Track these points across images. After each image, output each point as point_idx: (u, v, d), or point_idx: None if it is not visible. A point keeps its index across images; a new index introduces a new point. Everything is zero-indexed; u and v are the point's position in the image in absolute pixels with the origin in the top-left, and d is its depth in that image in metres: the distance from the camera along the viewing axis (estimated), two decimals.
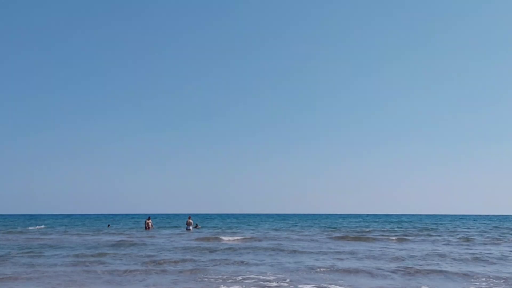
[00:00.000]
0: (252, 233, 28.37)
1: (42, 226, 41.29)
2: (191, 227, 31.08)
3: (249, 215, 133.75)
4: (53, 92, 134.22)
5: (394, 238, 23.23)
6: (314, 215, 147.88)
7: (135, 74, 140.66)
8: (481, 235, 27.08)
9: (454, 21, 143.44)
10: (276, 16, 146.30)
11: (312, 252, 15.33)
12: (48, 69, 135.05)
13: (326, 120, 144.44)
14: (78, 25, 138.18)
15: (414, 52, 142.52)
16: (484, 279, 9.73)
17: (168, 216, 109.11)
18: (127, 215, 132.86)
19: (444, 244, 19.33)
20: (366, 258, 13.65)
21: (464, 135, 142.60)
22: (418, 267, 11.31)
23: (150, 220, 33.57)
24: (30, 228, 38.49)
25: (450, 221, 62.07)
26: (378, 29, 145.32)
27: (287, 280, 9.46)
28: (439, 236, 25.65)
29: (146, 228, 32.78)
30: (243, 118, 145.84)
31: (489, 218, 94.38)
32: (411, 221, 57.28)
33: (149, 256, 14.00)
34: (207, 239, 22.55)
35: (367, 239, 22.43)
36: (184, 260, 12.86)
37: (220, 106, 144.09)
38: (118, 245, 18.64)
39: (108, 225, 43.76)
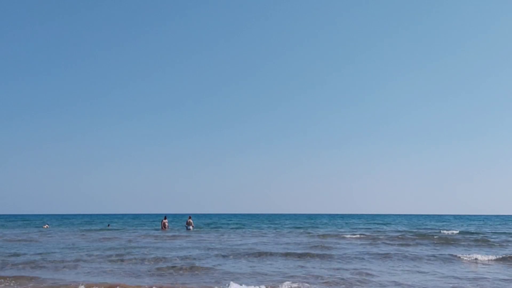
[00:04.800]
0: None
1: (46, 226, 40.56)
2: (190, 227, 32.19)
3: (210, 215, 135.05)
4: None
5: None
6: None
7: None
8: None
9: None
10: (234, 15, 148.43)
11: None
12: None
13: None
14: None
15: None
16: None
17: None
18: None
19: None
20: None
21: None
22: None
23: (166, 220, 33.41)
24: (41, 228, 38.25)
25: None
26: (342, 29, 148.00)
27: None
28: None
29: (162, 228, 32.82)
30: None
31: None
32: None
33: None
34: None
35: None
36: None
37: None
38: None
39: (108, 225, 44.49)
